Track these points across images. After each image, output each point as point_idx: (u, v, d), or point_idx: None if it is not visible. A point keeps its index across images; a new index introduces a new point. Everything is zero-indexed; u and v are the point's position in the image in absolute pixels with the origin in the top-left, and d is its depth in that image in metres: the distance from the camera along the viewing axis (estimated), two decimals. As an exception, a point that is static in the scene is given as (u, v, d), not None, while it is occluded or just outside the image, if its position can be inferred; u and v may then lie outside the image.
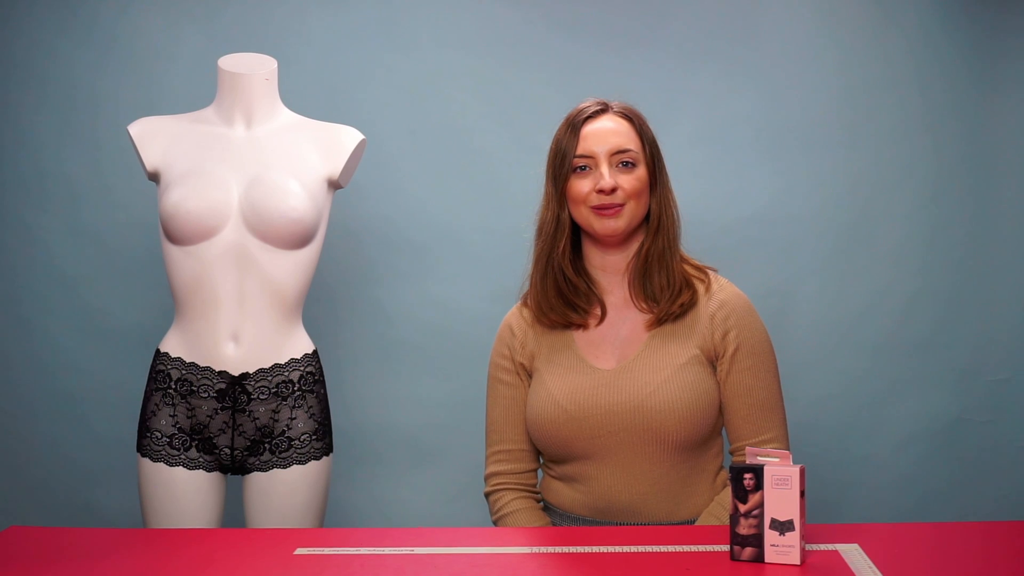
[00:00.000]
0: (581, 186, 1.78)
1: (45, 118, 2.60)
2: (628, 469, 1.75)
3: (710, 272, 1.85)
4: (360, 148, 2.13)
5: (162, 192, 2.02)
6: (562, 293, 1.82)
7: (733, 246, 2.56)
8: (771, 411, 1.80)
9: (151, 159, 2.06)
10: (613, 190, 1.75)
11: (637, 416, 1.73)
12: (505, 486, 1.84)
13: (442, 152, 2.60)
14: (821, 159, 2.59)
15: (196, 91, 2.36)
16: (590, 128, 1.79)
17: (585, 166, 1.78)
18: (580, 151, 1.78)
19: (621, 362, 1.78)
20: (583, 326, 1.83)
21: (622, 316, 1.82)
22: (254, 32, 2.55)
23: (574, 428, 1.76)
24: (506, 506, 1.82)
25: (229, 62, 2.08)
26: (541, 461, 1.89)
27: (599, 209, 1.76)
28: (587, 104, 1.82)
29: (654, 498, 1.75)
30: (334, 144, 2.09)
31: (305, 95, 2.38)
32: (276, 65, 2.10)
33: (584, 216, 1.79)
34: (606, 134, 1.78)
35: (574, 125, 1.80)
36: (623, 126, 1.80)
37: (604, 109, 1.82)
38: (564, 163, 1.79)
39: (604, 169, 1.76)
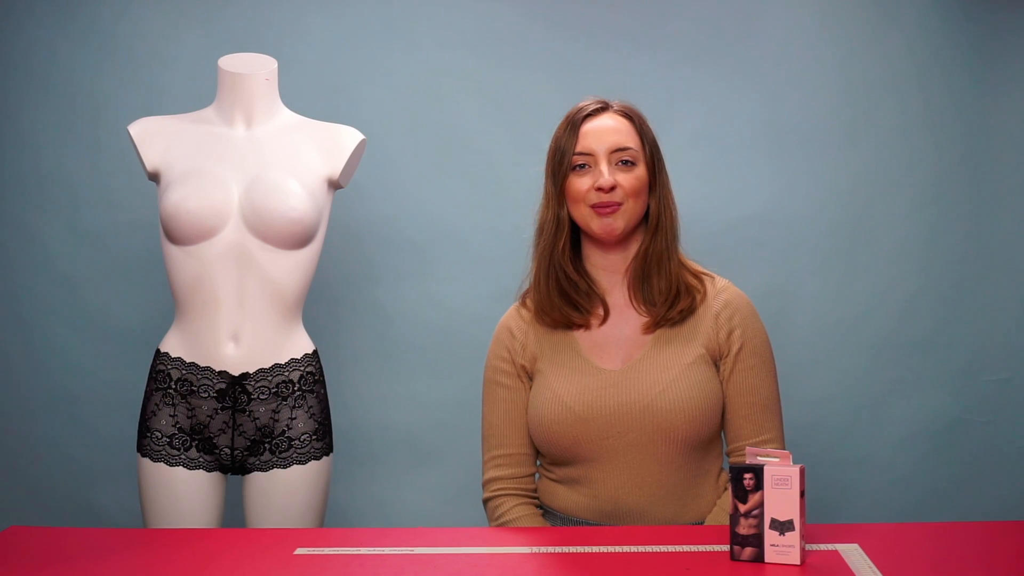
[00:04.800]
0: (580, 184, 1.77)
1: (45, 118, 2.60)
2: (636, 471, 1.74)
3: (706, 279, 1.84)
4: (360, 148, 2.13)
5: (162, 192, 2.02)
6: (564, 292, 1.81)
7: (733, 246, 2.56)
8: (771, 412, 1.80)
9: (151, 159, 2.06)
10: (612, 188, 1.74)
11: (647, 416, 1.73)
12: (505, 491, 1.82)
13: (442, 152, 2.60)
14: (821, 159, 2.60)
15: (196, 91, 2.36)
16: (589, 126, 1.78)
17: (584, 164, 1.77)
18: (579, 149, 1.77)
19: (627, 362, 1.78)
20: (584, 326, 1.82)
21: (624, 317, 1.82)
22: (254, 32, 2.56)
23: (582, 429, 1.75)
24: (508, 512, 1.80)
25: (229, 62, 2.08)
26: (538, 464, 1.88)
27: (597, 207, 1.76)
28: (587, 102, 1.81)
29: (661, 500, 1.75)
30: (334, 144, 2.09)
31: (305, 95, 2.38)
32: (276, 65, 2.10)
33: (582, 215, 1.78)
34: (606, 132, 1.77)
35: (574, 123, 1.79)
36: (623, 125, 1.79)
37: (604, 107, 1.81)
38: (563, 161, 1.78)
39: (603, 167, 1.76)
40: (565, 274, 1.80)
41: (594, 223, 1.77)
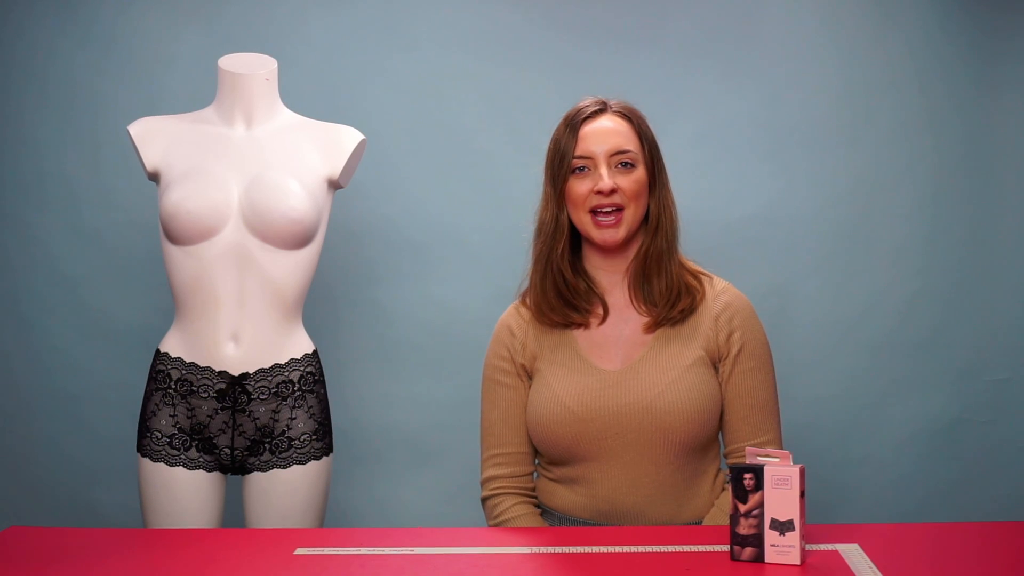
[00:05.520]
0: (580, 188, 1.76)
1: (45, 118, 2.60)
2: (633, 471, 1.74)
3: (704, 278, 1.84)
4: (360, 148, 2.13)
5: (162, 192, 2.02)
6: (561, 294, 1.81)
7: (733, 246, 2.56)
8: (769, 413, 1.80)
9: (151, 159, 2.06)
10: (612, 192, 1.74)
11: (646, 417, 1.72)
12: (504, 490, 1.82)
13: (442, 152, 2.60)
14: (821, 159, 2.60)
15: (196, 91, 2.36)
16: (589, 128, 1.78)
17: (584, 167, 1.77)
18: (579, 152, 1.77)
19: (626, 363, 1.78)
20: (584, 325, 1.82)
21: (624, 317, 1.82)
22: (254, 32, 2.56)
23: (580, 430, 1.75)
24: (506, 511, 1.80)
25: (229, 62, 2.08)
26: (536, 463, 1.88)
27: (597, 214, 1.76)
28: (586, 103, 1.81)
29: (658, 501, 1.75)
30: (334, 144, 2.09)
31: (305, 95, 2.38)
32: (276, 65, 2.10)
33: (583, 222, 1.78)
34: (605, 134, 1.77)
35: (573, 125, 1.78)
36: (622, 126, 1.79)
37: (603, 108, 1.80)
38: (563, 164, 1.78)
39: (603, 171, 1.75)
40: (563, 277, 1.80)
41: (594, 232, 1.77)
